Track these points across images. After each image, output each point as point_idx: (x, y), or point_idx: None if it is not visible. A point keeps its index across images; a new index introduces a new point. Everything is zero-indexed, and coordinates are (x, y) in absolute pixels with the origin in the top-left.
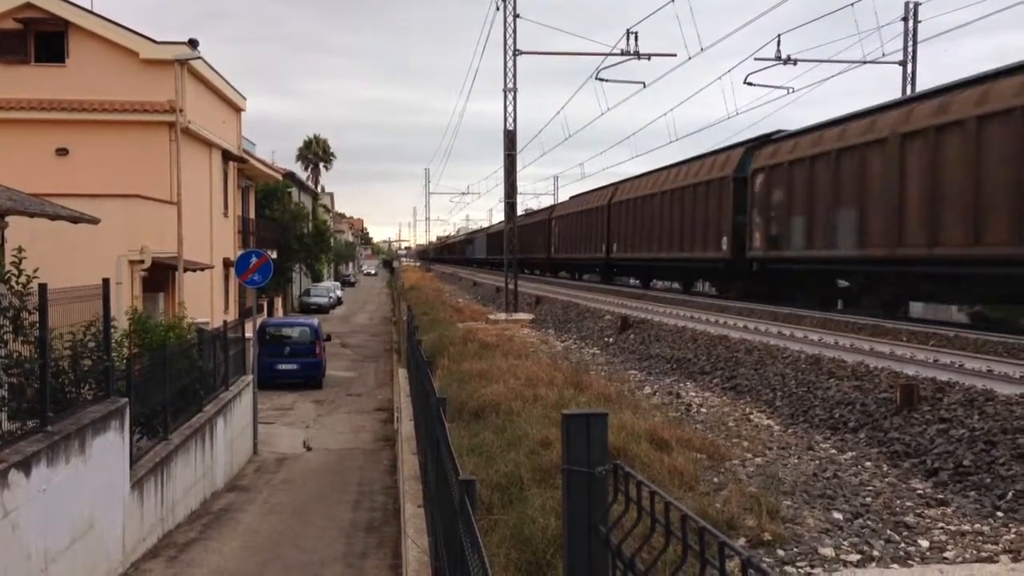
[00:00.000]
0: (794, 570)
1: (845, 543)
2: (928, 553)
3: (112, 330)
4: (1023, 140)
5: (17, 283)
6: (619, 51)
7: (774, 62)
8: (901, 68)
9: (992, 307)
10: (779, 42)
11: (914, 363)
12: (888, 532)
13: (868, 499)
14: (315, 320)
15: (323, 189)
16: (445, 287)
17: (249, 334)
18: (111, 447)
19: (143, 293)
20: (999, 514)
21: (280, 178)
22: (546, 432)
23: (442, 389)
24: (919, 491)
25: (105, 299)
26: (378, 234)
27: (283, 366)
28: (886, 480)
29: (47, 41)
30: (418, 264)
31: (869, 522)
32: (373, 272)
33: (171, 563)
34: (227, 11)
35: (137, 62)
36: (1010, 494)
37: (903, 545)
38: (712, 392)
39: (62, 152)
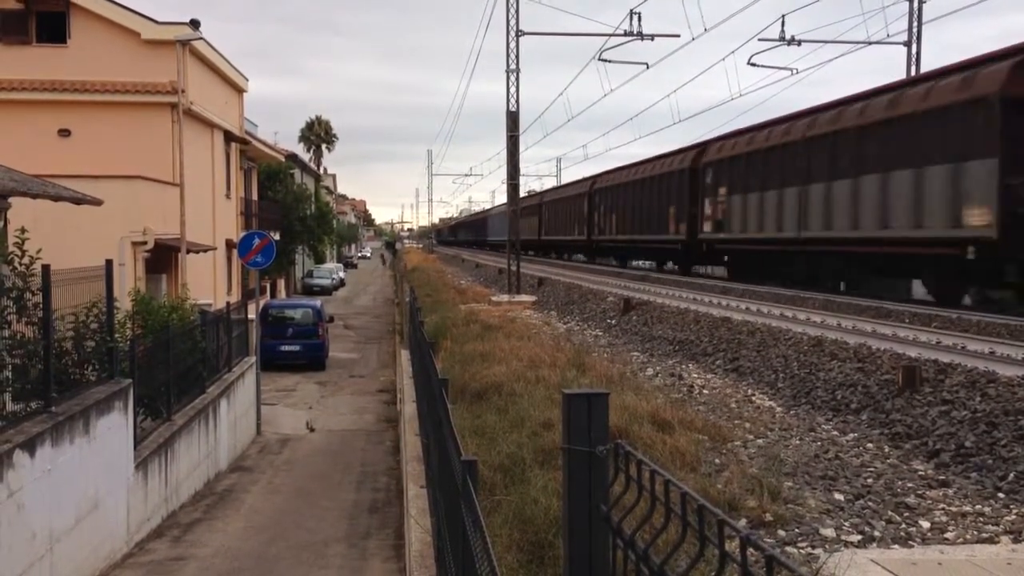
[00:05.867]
0: (795, 550)
1: (846, 524)
2: (929, 534)
3: (115, 311)
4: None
5: (20, 264)
6: (622, 32)
7: (778, 43)
8: (906, 49)
9: (995, 290)
10: (783, 22)
11: (916, 345)
12: (889, 513)
13: (869, 480)
14: (318, 301)
15: (325, 170)
16: (447, 269)
17: (252, 315)
18: (115, 428)
19: (146, 274)
20: (1000, 495)
21: (282, 159)
22: (548, 413)
23: (444, 370)
24: (920, 472)
25: (108, 280)
26: (380, 215)
27: (286, 347)
28: (887, 461)
29: (48, 21)
30: (420, 247)
31: (870, 503)
32: (367, 255)
33: (175, 543)
34: None
35: (139, 42)
36: (1011, 475)
37: (904, 526)
38: (714, 374)
39: (64, 133)
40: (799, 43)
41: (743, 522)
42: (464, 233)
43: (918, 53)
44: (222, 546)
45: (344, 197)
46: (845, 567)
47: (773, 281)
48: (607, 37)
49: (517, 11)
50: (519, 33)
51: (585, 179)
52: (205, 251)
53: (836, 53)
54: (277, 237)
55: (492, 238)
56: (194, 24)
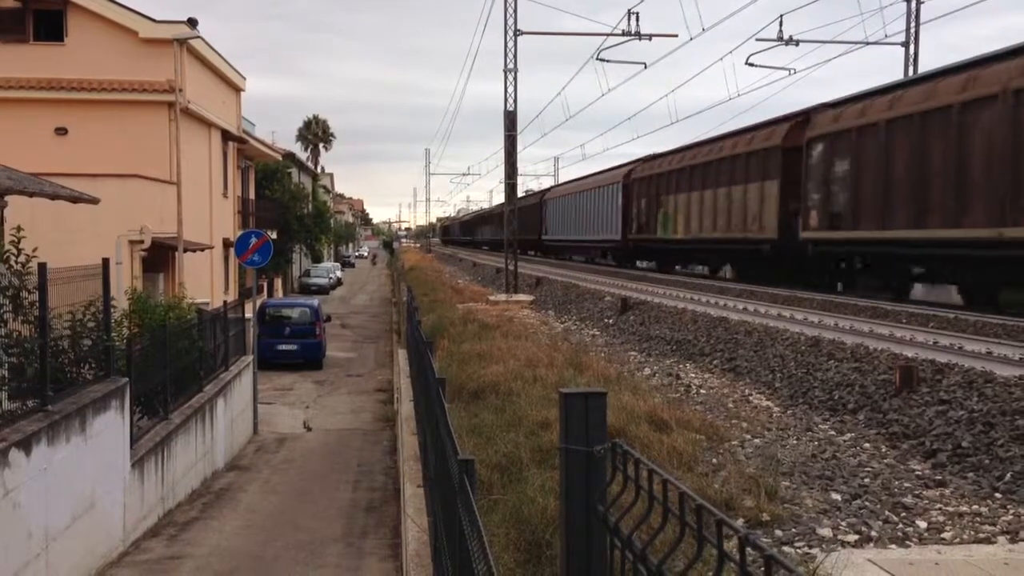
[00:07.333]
0: (792, 550)
1: (843, 524)
2: (926, 534)
3: (112, 310)
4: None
5: (16, 262)
6: (620, 31)
7: (776, 43)
8: (903, 49)
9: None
10: (781, 22)
11: (913, 345)
12: (886, 513)
13: (866, 480)
14: (315, 301)
15: (323, 170)
16: (445, 268)
17: (249, 314)
18: (112, 426)
19: (143, 273)
20: (997, 495)
21: (280, 158)
22: (546, 413)
23: (442, 369)
24: (917, 472)
25: (105, 279)
26: (378, 215)
27: (283, 347)
28: (884, 461)
29: (46, 19)
30: (418, 246)
31: (867, 503)
32: (365, 254)
33: (171, 542)
34: None
35: (136, 41)
36: (1008, 475)
37: (901, 526)
38: (712, 373)
39: (61, 131)
40: (797, 43)
41: (740, 521)
42: (490, 230)
43: (916, 54)
44: (218, 545)
45: (341, 196)
46: (842, 567)
47: (677, 271)
48: (605, 37)
49: (515, 11)
50: (517, 32)
51: (537, 192)
52: (202, 250)
53: (834, 53)
54: (274, 236)
55: (550, 237)
56: (192, 23)
